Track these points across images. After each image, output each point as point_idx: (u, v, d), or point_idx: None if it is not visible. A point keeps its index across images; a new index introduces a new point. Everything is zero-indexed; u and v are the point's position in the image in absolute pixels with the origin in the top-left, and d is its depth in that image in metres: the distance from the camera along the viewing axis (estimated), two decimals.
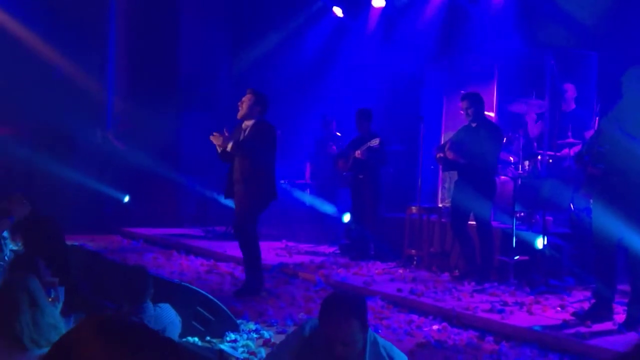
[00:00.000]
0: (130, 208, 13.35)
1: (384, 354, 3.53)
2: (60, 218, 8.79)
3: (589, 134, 8.82)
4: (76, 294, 6.61)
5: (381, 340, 3.59)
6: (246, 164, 8.00)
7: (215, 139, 8.02)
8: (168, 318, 4.90)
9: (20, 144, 12.58)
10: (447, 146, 8.84)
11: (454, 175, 9.42)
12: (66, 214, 11.40)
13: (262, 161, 8.05)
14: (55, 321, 4.76)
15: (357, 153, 10.14)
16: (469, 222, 8.88)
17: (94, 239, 11.52)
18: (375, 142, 10.03)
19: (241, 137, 8.06)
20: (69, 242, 8.68)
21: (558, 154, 9.42)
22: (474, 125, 8.78)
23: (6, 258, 6.61)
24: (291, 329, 6.46)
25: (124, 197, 13.35)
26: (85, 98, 13.46)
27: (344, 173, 10.83)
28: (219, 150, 8.08)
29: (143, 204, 13.29)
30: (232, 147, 7.89)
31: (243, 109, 8.06)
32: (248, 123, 8.09)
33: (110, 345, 1.61)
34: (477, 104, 8.79)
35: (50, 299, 4.90)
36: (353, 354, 3.39)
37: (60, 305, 4.96)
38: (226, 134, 8.01)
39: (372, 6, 13.15)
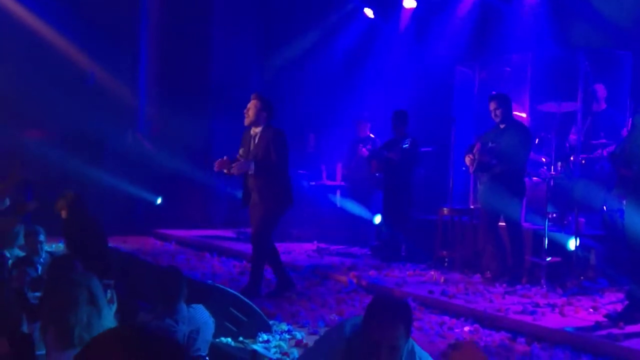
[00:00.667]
0: (162, 210, 13.46)
1: None
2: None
3: (624, 134, 8.75)
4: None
5: (418, 350, 3.56)
6: (264, 175, 8.01)
7: (223, 166, 8.03)
8: (202, 319, 4.95)
9: (54, 148, 12.74)
10: (477, 148, 8.82)
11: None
12: (99, 216, 11.57)
13: (277, 170, 8.02)
14: (109, 324, 4.86)
15: (390, 155, 10.15)
16: (500, 224, 8.84)
17: (126, 240, 11.64)
18: (406, 144, 10.04)
19: (251, 145, 8.05)
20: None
21: (591, 155, 9.36)
22: (502, 126, 8.74)
23: (42, 260, 6.73)
24: (323, 330, 6.49)
25: (157, 199, 13.47)
26: (117, 103, 13.60)
27: (377, 174, 10.83)
28: (230, 173, 8.07)
29: (175, 206, 13.41)
30: (254, 170, 7.91)
31: (249, 115, 8.02)
32: (256, 130, 8.07)
33: (127, 357, 1.63)
34: (505, 104, 8.76)
35: (106, 300, 5.02)
36: (394, 358, 3.35)
37: (115, 307, 5.06)
38: (227, 159, 8.04)
39: (403, 7, 13.13)
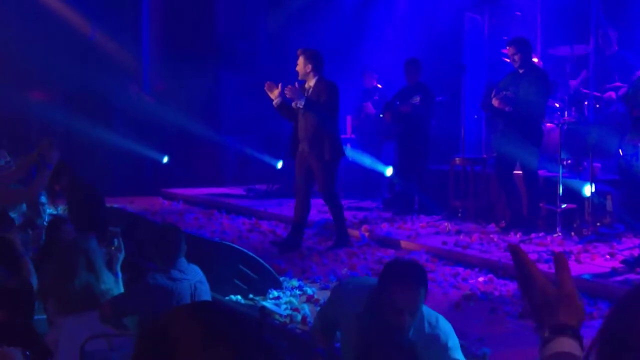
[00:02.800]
0: (169, 169, 13.34)
1: (428, 329, 3.46)
2: (99, 181, 8.90)
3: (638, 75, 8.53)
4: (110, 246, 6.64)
5: (426, 312, 3.50)
6: (314, 123, 7.98)
7: (270, 90, 8.04)
8: (200, 273, 4.86)
9: (57, 109, 12.61)
10: (493, 93, 8.60)
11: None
12: (105, 176, 11.50)
13: (329, 120, 8.04)
14: (110, 287, 4.77)
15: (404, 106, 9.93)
16: (515, 172, 8.68)
17: (133, 201, 11.54)
18: (416, 99, 9.80)
19: (305, 97, 8.04)
20: (109, 205, 8.76)
21: (604, 95, 9.14)
22: (521, 71, 8.50)
23: (44, 223, 6.65)
24: (334, 284, 6.40)
25: (163, 158, 13.35)
26: (120, 59, 13.41)
27: (392, 125, 10.59)
28: (276, 104, 8.08)
29: (183, 165, 13.28)
30: (304, 104, 7.90)
31: (300, 72, 8.06)
32: (310, 83, 8.08)
33: (209, 337, 1.50)
34: (524, 49, 8.50)
35: (113, 248, 4.95)
36: (411, 323, 3.32)
37: (122, 256, 4.99)
38: (295, 87, 8.04)
39: None
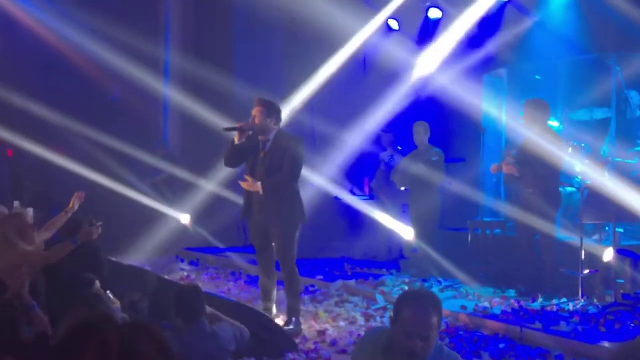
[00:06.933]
0: (188, 227, 13.32)
1: None
2: (118, 238, 8.87)
3: None
4: (135, 313, 6.59)
5: (447, 350, 3.60)
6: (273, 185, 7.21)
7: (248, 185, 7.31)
8: (225, 338, 4.78)
9: (79, 164, 12.68)
10: (505, 159, 8.57)
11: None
12: (125, 233, 11.45)
13: (291, 181, 7.27)
14: None
15: (414, 169, 9.91)
16: (535, 237, 8.56)
17: (152, 259, 11.51)
18: (434, 154, 9.80)
19: (261, 153, 7.27)
20: (127, 262, 8.73)
21: (626, 159, 9.07)
22: (536, 133, 8.45)
23: None
24: (351, 348, 6.28)
25: (183, 217, 13.34)
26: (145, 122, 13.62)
27: (402, 188, 10.57)
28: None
29: (201, 224, 13.25)
30: (263, 189, 7.15)
31: (258, 124, 7.18)
32: (268, 136, 7.26)
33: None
34: (537, 111, 8.48)
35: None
36: (428, 351, 3.39)
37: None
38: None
39: (429, 18, 12.94)
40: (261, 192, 7.12)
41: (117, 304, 5.77)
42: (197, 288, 4.97)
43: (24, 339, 4.16)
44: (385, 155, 11.64)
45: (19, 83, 12.48)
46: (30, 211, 7.27)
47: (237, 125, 7.23)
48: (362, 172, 12.79)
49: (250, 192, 7.31)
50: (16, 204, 9.34)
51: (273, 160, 7.20)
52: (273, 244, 7.35)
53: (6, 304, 4.69)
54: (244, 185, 7.29)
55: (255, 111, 7.18)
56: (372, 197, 12.18)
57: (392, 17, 13.17)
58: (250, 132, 7.21)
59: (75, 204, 6.70)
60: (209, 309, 5.11)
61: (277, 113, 7.28)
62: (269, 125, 7.18)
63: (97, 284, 5.85)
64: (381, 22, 13.28)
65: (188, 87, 13.86)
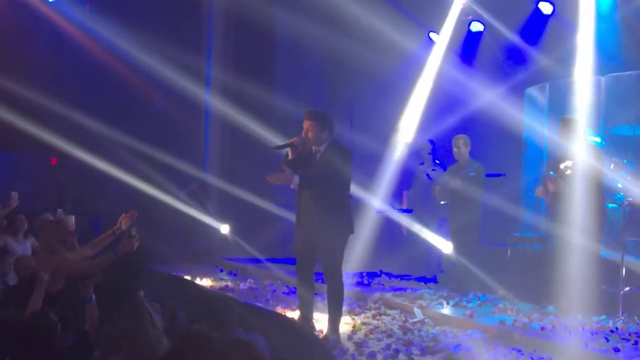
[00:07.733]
0: (228, 237, 13.43)
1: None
2: (158, 247, 8.99)
3: None
4: (175, 320, 6.66)
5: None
6: (320, 194, 7.17)
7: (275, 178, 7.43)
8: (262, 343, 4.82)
9: (124, 174, 12.87)
10: (547, 178, 8.52)
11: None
12: (165, 242, 11.59)
13: (340, 192, 7.25)
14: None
15: (453, 183, 9.89)
16: (576, 253, 8.48)
17: (191, 268, 11.62)
18: (472, 169, 9.77)
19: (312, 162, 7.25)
20: (167, 272, 8.84)
21: None
22: (573, 149, 8.40)
23: None
24: None
25: (223, 226, 13.46)
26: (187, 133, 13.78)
27: (442, 202, 10.55)
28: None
29: (241, 234, 13.36)
30: (296, 184, 7.12)
31: (312, 138, 7.14)
32: (319, 147, 7.23)
33: None
34: (573, 128, 8.43)
35: None
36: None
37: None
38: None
39: (470, 30, 12.96)
40: (292, 185, 7.09)
41: (157, 311, 5.85)
42: (229, 299, 5.01)
43: (60, 346, 4.23)
44: (423, 169, 11.60)
45: (66, 93, 12.73)
46: (71, 219, 7.39)
47: (287, 142, 7.21)
48: (401, 186, 12.80)
49: (301, 203, 7.29)
50: (59, 211, 9.54)
51: (322, 169, 7.15)
52: (314, 256, 7.33)
53: (39, 315, 4.80)
54: (271, 178, 7.31)
55: (307, 124, 7.14)
56: (410, 210, 12.16)
57: (432, 30, 13.21)
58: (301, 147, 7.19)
59: (122, 224, 6.63)
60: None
61: (330, 123, 7.23)
62: (322, 137, 7.17)
63: (141, 293, 5.95)
64: (424, 36, 13.36)
65: (229, 100, 14.01)
